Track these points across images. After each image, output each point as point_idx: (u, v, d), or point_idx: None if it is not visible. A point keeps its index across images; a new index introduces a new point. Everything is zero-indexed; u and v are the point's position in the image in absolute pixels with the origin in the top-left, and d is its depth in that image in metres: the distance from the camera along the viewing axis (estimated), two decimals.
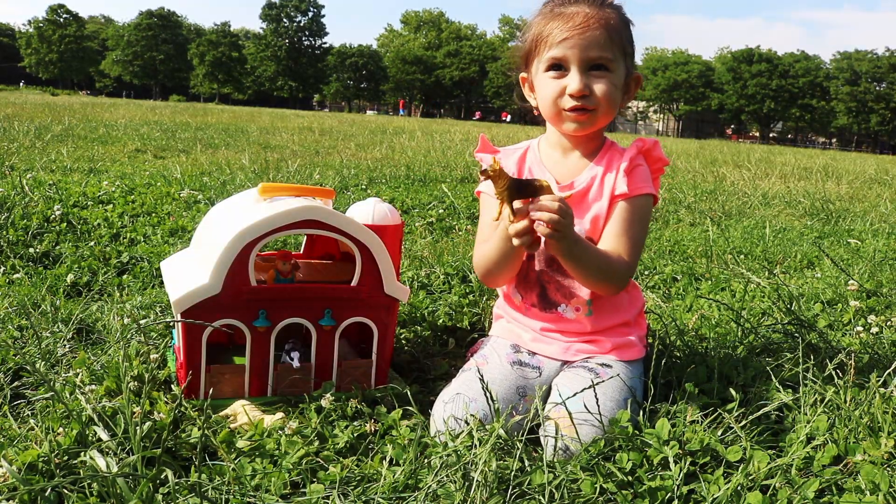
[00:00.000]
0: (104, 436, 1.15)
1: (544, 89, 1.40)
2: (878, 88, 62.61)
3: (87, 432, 1.17)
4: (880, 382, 1.37)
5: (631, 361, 1.46)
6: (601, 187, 1.43)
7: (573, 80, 1.36)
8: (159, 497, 1.03)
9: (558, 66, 1.37)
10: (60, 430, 1.18)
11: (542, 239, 1.26)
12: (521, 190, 1.25)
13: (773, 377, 1.46)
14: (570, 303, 1.46)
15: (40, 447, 1.12)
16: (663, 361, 1.47)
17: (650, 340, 1.76)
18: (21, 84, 59.90)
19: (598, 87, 1.36)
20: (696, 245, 3.34)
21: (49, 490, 1.02)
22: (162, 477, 1.07)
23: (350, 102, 77.78)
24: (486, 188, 1.47)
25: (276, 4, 70.78)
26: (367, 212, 1.58)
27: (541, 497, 1.07)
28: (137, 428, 1.14)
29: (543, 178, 1.43)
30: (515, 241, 1.26)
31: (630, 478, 1.13)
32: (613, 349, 1.46)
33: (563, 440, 1.21)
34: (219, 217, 1.50)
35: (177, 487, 1.05)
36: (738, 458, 1.18)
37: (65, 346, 1.63)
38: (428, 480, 1.09)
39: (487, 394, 1.27)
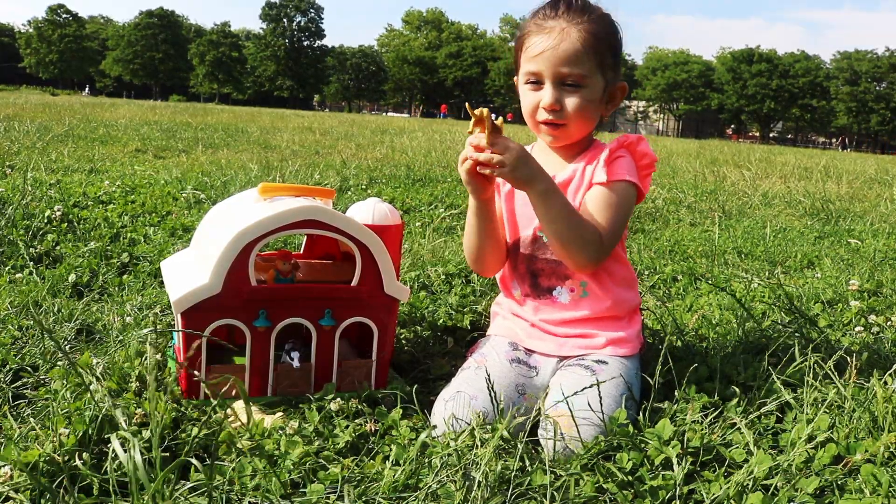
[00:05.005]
0: (123, 426, 1.15)
1: (523, 100, 1.47)
2: (878, 88, 62.56)
3: (90, 431, 1.17)
4: (881, 382, 1.37)
5: (627, 357, 1.46)
6: (581, 178, 1.46)
7: (545, 95, 1.42)
8: (166, 494, 1.03)
9: (534, 80, 1.43)
10: (62, 430, 1.18)
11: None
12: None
13: (773, 376, 1.46)
14: (564, 284, 1.48)
15: (42, 447, 1.12)
16: (663, 361, 1.46)
17: (650, 341, 1.76)
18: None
19: (570, 103, 1.41)
20: (697, 245, 3.34)
21: (53, 487, 1.02)
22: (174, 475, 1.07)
23: (350, 103, 77.69)
24: None
25: (276, 4, 70.78)
26: (367, 212, 1.58)
27: (542, 498, 1.07)
28: (151, 425, 1.14)
29: None
30: (464, 177, 1.35)
31: (631, 477, 1.13)
32: (608, 344, 1.46)
33: (562, 440, 1.21)
34: (219, 217, 1.50)
35: (180, 487, 1.05)
36: (742, 459, 1.18)
37: (66, 346, 1.62)
38: (428, 480, 1.09)
39: (492, 392, 1.27)
